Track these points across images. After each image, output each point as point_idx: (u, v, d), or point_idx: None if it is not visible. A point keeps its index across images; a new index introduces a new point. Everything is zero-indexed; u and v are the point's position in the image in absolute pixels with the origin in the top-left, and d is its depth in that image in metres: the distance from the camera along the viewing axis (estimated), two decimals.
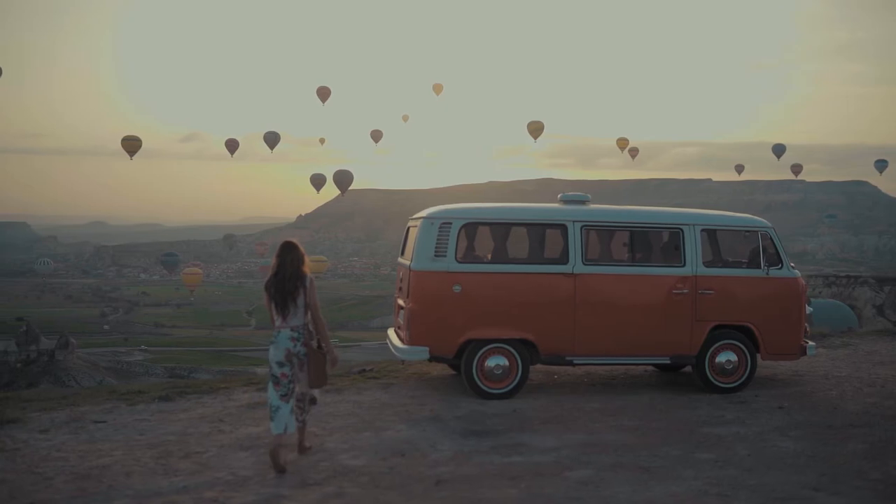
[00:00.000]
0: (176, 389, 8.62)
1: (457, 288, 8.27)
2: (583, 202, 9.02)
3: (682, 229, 8.73)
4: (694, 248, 8.70)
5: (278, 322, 6.15)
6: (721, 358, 8.73)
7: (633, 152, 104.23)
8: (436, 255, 8.33)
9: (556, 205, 9.03)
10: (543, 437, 6.95)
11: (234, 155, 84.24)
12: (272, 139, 77.48)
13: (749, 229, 9.05)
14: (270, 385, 6.13)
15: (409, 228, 9.17)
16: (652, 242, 9.03)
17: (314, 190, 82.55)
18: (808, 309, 9.23)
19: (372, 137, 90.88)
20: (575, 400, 8.36)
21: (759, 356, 8.86)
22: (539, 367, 9.07)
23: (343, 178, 77.91)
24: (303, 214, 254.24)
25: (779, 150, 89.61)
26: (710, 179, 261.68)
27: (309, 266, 6.31)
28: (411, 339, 8.38)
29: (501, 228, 8.75)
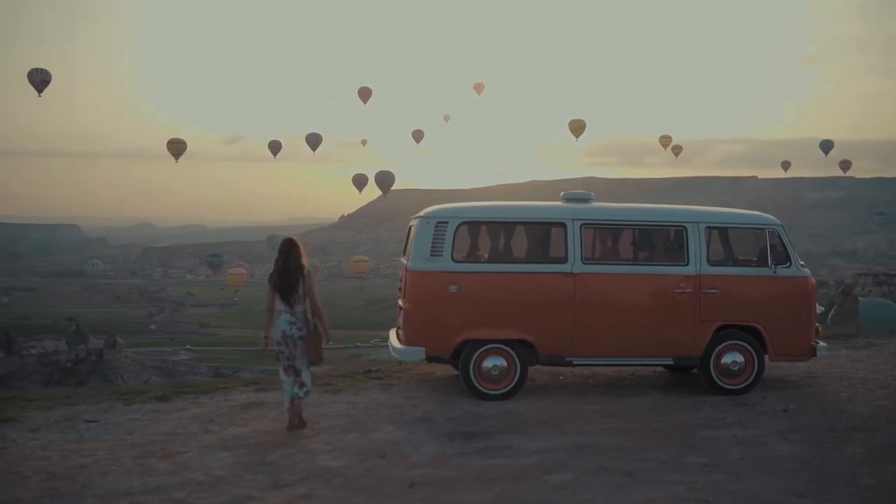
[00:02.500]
0: (175, 389, 8.68)
1: (453, 288, 8.18)
2: (585, 200, 8.86)
3: (685, 227, 8.52)
4: (698, 246, 8.48)
5: (280, 308, 6.99)
6: (727, 359, 8.49)
7: (677, 150, 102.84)
8: (431, 255, 8.24)
9: (555, 203, 8.88)
10: (533, 440, 6.82)
11: (277, 156, 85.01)
12: (314, 140, 78.04)
13: (756, 227, 8.80)
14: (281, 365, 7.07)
15: (409, 228, 9.10)
16: (654, 241, 8.83)
17: (356, 190, 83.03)
18: (819, 309, 8.95)
19: (413, 137, 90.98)
20: (575, 401, 8.21)
21: (766, 357, 8.61)
22: (546, 368, 8.94)
23: (385, 179, 78.22)
24: (345, 215, 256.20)
25: (826, 146, 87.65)
26: (755, 177, 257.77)
27: (307, 259, 7.17)
28: (407, 340, 8.31)
29: (499, 227, 8.63)
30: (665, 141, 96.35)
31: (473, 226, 8.57)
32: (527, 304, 8.28)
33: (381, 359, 14.44)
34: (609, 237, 8.81)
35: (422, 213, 8.65)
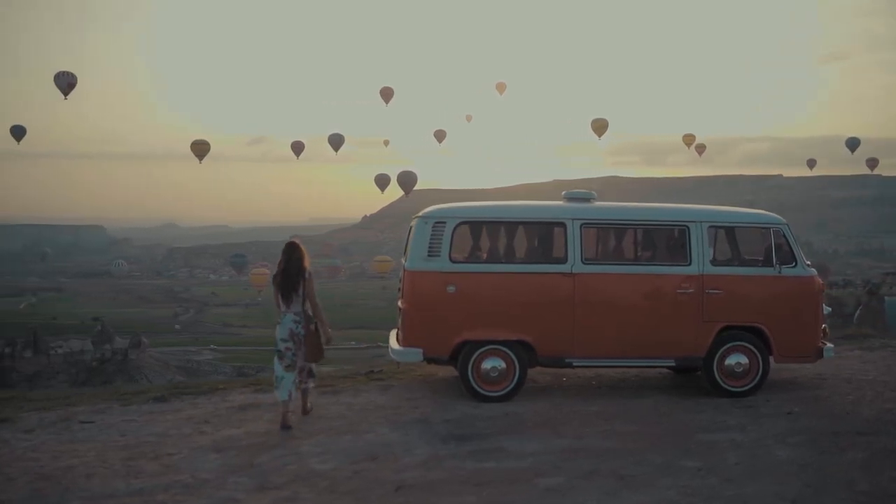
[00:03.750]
0: (174, 390, 8.68)
1: (451, 288, 8.10)
2: (587, 200, 8.75)
3: (688, 227, 8.38)
4: (700, 245, 8.34)
5: (283, 308, 7.35)
6: (731, 360, 8.34)
7: (700, 149, 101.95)
8: (429, 255, 8.18)
9: (555, 203, 8.78)
10: (527, 442, 6.73)
11: (300, 157, 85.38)
12: (337, 141, 78.27)
13: (760, 226, 8.65)
14: (276, 359, 7.33)
15: (410, 228, 9.04)
16: (656, 240, 8.70)
17: (379, 190, 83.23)
18: (826, 309, 8.76)
19: (435, 137, 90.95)
20: (574, 403, 8.11)
21: (771, 359, 8.45)
22: (549, 369, 8.85)
23: (407, 179, 78.30)
24: (368, 215, 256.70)
25: (853, 143, 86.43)
26: (780, 175, 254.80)
27: (308, 262, 7.48)
28: (405, 341, 8.25)
29: (497, 227, 8.54)
30: (688, 139, 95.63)
31: (472, 226, 8.48)
32: (526, 305, 8.18)
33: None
34: (610, 237, 8.70)
35: (420, 213, 8.59)
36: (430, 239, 8.19)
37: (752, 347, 8.36)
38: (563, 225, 8.28)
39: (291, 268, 7.35)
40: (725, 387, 8.35)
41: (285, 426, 7.04)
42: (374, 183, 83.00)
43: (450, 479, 5.79)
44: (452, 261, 8.18)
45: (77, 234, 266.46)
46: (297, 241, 7.58)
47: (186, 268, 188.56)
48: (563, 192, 8.94)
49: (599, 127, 76.21)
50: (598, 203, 8.74)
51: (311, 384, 7.56)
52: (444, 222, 8.25)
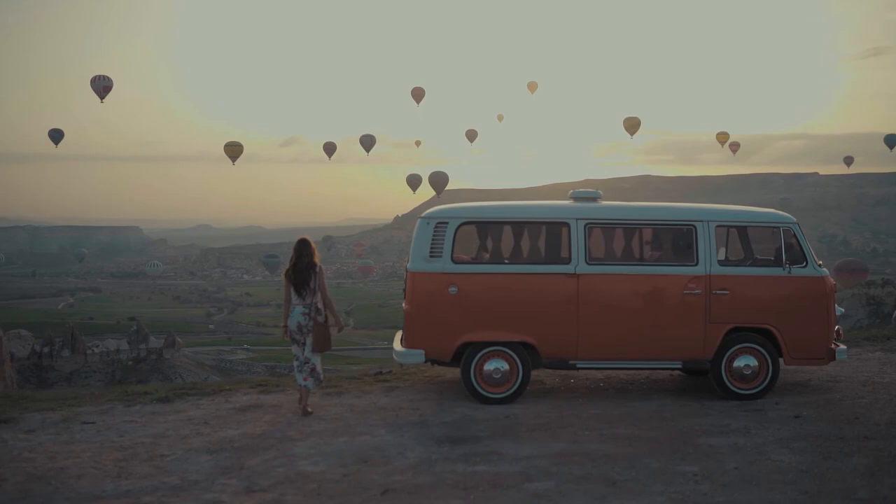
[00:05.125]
0: (179, 391, 8.70)
1: (453, 289, 8.04)
2: (593, 199, 8.64)
3: (694, 226, 8.23)
4: (707, 245, 8.19)
5: (295, 301, 7.73)
6: (739, 362, 8.18)
7: (734, 147, 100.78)
8: (431, 256, 8.12)
9: (560, 202, 8.68)
10: (523, 445, 6.64)
11: (332, 158, 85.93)
12: (368, 142, 78.59)
13: (770, 225, 8.47)
14: (294, 347, 7.79)
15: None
16: (662, 240, 8.56)
17: (410, 191, 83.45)
18: (839, 310, 8.55)
19: (467, 137, 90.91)
20: (577, 405, 8.00)
21: (782, 361, 8.27)
22: (558, 371, 8.75)
23: (439, 180, 78.41)
24: (399, 215, 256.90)
25: (891, 140, 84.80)
26: (816, 173, 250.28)
27: (318, 257, 7.87)
28: (407, 342, 8.21)
29: (500, 228, 8.46)
30: (722, 137, 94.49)
31: (474, 226, 8.42)
32: (529, 306, 8.09)
33: None
34: (615, 237, 8.57)
35: (423, 213, 8.54)
36: (432, 240, 8.13)
37: (761, 349, 8.19)
38: (566, 225, 8.18)
39: (303, 262, 7.73)
40: (734, 389, 8.19)
41: (304, 413, 7.61)
42: (405, 183, 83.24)
43: (438, 482, 5.73)
44: (455, 262, 8.12)
45: (115, 236, 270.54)
46: (307, 237, 7.95)
47: (220, 268, 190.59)
48: (570, 192, 8.84)
49: (631, 125, 75.64)
50: (603, 202, 8.62)
51: (310, 384, 7.74)
52: (447, 223, 8.19)
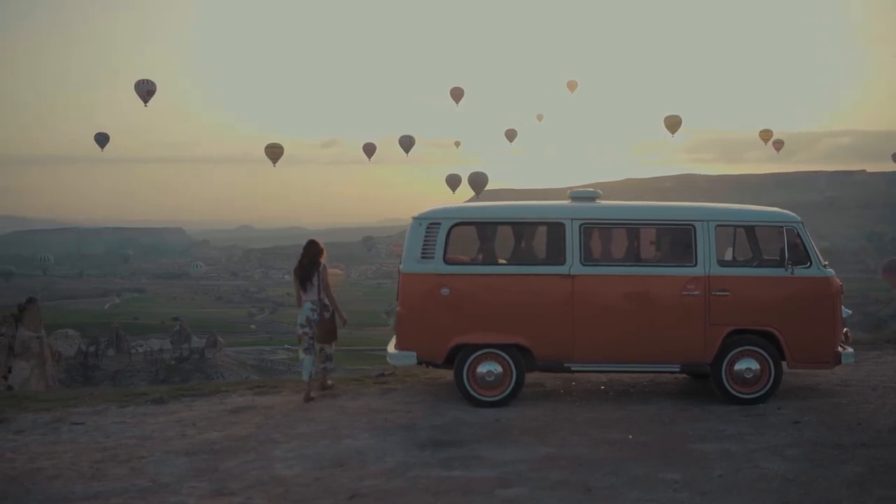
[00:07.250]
0: (175, 392, 8.73)
1: (445, 291, 7.94)
2: (591, 199, 8.47)
3: (694, 226, 8.02)
4: (707, 245, 7.97)
5: (303, 296, 8.47)
6: (740, 366, 7.94)
7: (778, 145, 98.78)
8: (422, 257, 8.04)
9: (554, 202, 8.54)
10: (507, 450, 6.52)
11: (372, 159, 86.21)
12: (407, 143, 78.68)
13: (772, 224, 8.22)
14: (300, 351, 8.51)
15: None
16: (660, 240, 8.36)
17: (450, 191, 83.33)
18: (846, 312, 8.26)
19: (506, 137, 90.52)
20: (573, 408, 7.85)
21: (785, 364, 8.02)
22: (559, 374, 8.61)
23: (478, 180, 78.27)
24: None
25: None
26: (863, 171, 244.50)
27: (325, 257, 8.57)
28: (399, 344, 8.13)
29: (494, 228, 8.34)
30: (765, 135, 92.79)
31: (467, 227, 8.30)
32: (523, 308, 7.96)
33: None
34: (611, 237, 8.39)
35: (416, 214, 8.45)
36: (424, 240, 8.04)
37: (762, 352, 7.95)
38: (561, 225, 8.03)
39: (307, 261, 8.46)
40: (735, 393, 7.96)
41: (308, 398, 8.24)
42: (445, 184, 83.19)
43: (409, 488, 5.63)
44: (447, 263, 8.02)
45: (159, 237, 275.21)
46: (315, 239, 8.69)
47: (262, 268, 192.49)
48: (569, 192, 8.69)
49: (672, 124, 74.59)
50: (600, 202, 8.45)
51: (329, 365, 8.75)
52: (439, 223, 8.09)
